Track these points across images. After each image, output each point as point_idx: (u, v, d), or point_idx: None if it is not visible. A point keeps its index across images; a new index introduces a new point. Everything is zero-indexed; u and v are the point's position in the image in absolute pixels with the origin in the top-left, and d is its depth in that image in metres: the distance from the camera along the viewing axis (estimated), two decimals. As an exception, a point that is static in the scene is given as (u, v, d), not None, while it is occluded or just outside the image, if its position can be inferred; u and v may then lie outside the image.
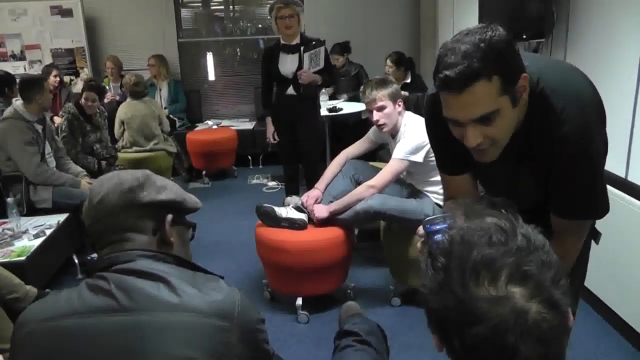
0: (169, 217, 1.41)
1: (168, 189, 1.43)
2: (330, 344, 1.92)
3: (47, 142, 4.53)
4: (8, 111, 4.39)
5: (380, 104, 3.45)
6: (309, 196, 3.56)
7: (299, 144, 4.82)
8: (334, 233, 3.45)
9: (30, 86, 4.34)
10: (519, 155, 1.60)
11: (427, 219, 1.25)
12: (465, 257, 0.88)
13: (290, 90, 4.68)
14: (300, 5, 4.63)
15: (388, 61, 6.24)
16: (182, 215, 1.47)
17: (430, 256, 0.94)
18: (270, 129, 4.91)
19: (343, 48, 7.03)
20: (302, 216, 3.49)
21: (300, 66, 4.60)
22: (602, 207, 1.65)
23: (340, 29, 7.45)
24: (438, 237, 1.15)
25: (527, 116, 1.52)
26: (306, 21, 6.48)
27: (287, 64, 4.65)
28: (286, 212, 3.52)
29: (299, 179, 5.02)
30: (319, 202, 3.54)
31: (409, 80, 6.23)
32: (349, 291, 3.74)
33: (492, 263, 0.86)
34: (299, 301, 3.55)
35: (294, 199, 3.66)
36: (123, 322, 1.22)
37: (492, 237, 0.89)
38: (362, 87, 3.64)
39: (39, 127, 4.44)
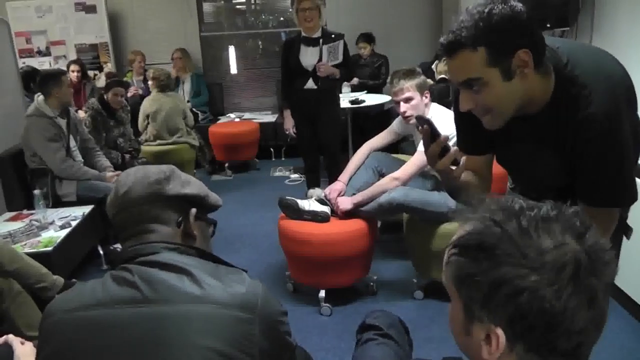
0: (193, 210, 1.43)
1: (192, 183, 1.45)
2: (353, 336, 1.91)
3: (71, 136, 4.59)
4: (30, 108, 4.46)
5: (407, 94, 3.43)
6: (332, 189, 3.56)
7: (319, 137, 4.83)
8: (357, 225, 3.45)
9: (47, 80, 4.40)
10: (543, 136, 1.64)
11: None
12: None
13: (310, 83, 4.68)
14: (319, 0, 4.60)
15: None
16: (204, 212, 1.49)
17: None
18: (289, 121, 4.91)
19: (369, 37, 7.03)
20: (325, 209, 3.49)
21: (320, 59, 4.60)
22: (629, 195, 1.62)
23: (361, 20, 7.43)
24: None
25: (554, 96, 1.57)
26: (327, 12, 6.47)
27: (308, 57, 4.65)
28: (309, 204, 3.52)
29: (319, 170, 5.02)
30: (342, 195, 3.53)
31: None
32: (371, 283, 3.73)
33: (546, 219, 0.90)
34: (322, 293, 3.56)
35: (316, 192, 3.66)
36: (146, 313, 1.23)
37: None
38: (389, 77, 3.62)
39: (62, 122, 4.49)
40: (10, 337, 1.51)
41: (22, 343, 1.48)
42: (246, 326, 1.25)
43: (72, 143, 4.60)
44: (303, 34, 4.69)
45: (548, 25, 3.92)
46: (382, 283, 3.81)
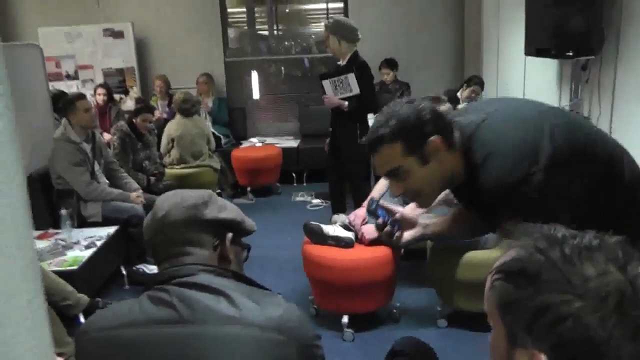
0: (229, 235, 1.46)
1: (229, 209, 1.48)
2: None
3: (96, 161, 4.68)
4: (58, 132, 4.55)
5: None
6: (356, 215, 3.57)
7: (342, 164, 4.87)
8: (381, 252, 3.45)
9: (64, 106, 4.55)
10: (474, 203, 1.87)
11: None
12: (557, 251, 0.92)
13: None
14: (330, 27, 4.66)
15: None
16: (239, 237, 1.51)
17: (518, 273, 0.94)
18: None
19: (391, 63, 7.08)
20: (349, 234, 3.50)
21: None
22: None
23: (385, 46, 7.50)
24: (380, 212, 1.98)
25: (466, 168, 1.77)
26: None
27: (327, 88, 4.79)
28: (333, 230, 3.53)
29: (344, 196, 5.04)
30: (366, 222, 3.54)
31: None
32: (394, 310, 3.72)
33: (588, 248, 0.91)
34: (345, 319, 3.55)
35: (341, 217, 3.68)
36: (183, 333, 1.25)
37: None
38: None
39: (87, 147, 4.59)
40: None
41: None
42: (282, 349, 1.26)
43: (97, 167, 4.69)
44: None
45: (570, 54, 3.92)
46: (405, 310, 3.80)
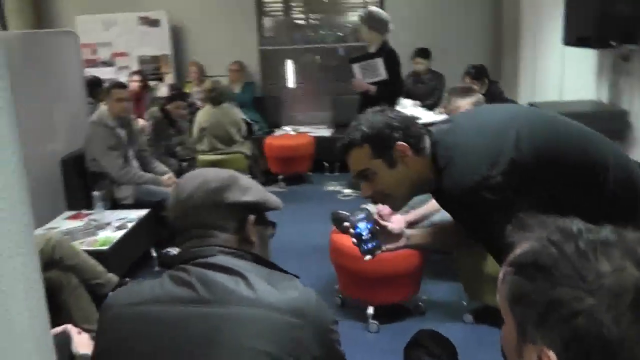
0: (252, 217, 1.45)
1: (252, 190, 1.46)
2: (399, 355, 1.89)
3: (130, 146, 4.75)
4: (94, 116, 4.68)
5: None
6: (385, 206, 3.53)
7: None
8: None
9: (104, 90, 4.70)
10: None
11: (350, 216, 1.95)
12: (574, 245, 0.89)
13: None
14: (362, 17, 4.90)
15: (467, 79, 6.08)
16: (263, 214, 1.51)
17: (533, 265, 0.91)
18: None
19: (424, 53, 6.99)
20: (371, 208, 3.47)
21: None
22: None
23: (419, 36, 7.40)
24: (361, 222, 1.92)
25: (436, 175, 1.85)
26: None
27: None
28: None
29: None
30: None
31: (483, 92, 5.99)
32: (420, 303, 3.69)
33: (605, 243, 0.88)
34: (370, 310, 3.53)
35: (369, 207, 3.64)
36: (201, 313, 1.27)
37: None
38: (445, 95, 3.60)
39: (122, 132, 4.67)
40: (69, 327, 1.57)
41: (79, 333, 1.54)
42: (297, 331, 1.26)
43: (130, 152, 4.76)
44: None
45: (612, 44, 3.78)
46: (432, 303, 3.76)
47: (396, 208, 2.04)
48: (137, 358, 1.29)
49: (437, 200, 2.04)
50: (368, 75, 4.79)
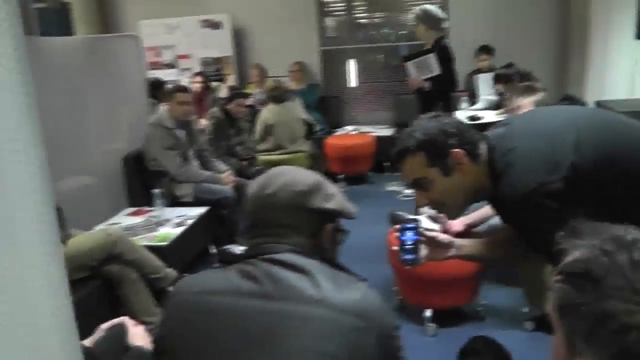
0: (329, 226, 1.47)
1: (335, 198, 1.47)
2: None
3: (189, 145, 4.84)
4: (154, 117, 4.81)
5: (524, 111, 3.28)
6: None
7: None
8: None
9: (166, 92, 4.84)
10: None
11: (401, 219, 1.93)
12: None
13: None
14: (418, 16, 4.89)
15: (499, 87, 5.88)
16: (338, 221, 1.52)
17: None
18: None
19: (487, 49, 6.86)
20: (435, 226, 3.39)
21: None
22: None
23: (482, 32, 7.30)
24: (409, 231, 1.87)
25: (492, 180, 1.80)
26: (451, 23, 6.41)
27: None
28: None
29: None
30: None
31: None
32: (479, 308, 3.60)
33: None
34: (428, 313, 3.46)
35: (427, 208, 3.57)
36: (265, 307, 1.28)
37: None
38: (507, 95, 3.50)
39: (181, 133, 4.76)
40: (126, 319, 1.62)
41: (135, 325, 1.58)
42: (361, 334, 1.26)
43: (190, 152, 4.85)
44: None
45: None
46: (491, 309, 3.65)
47: (452, 217, 2.10)
48: (195, 346, 1.31)
49: (494, 207, 1.99)
50: (421, 71, 4.79)
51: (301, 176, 1.46)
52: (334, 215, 1.47)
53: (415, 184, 1.84)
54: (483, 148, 1.80)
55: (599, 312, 0.81)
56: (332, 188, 1.49)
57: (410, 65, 4.81)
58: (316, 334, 1.24)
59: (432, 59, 4.74)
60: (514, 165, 1.70)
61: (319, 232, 1.44)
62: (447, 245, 1.94)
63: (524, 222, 1.74)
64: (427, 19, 4.77)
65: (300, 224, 1.41)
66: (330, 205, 1.43)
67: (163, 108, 4.73)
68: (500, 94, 5.67)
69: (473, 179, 1.80)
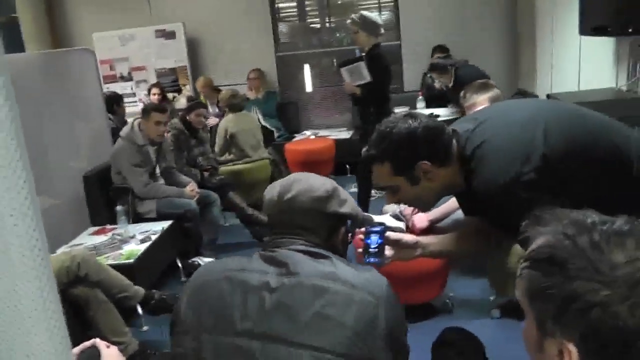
0: (343, 229, 1.63)
1: (348, 202, 1.60)
2: (427, 355, 1.88)
3: (157, 164, 4.80)
4: (125, 130, 4.72)
5: (479, 108, 3.36)
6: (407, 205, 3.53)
7: None
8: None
9: (142, 110, 4.73)
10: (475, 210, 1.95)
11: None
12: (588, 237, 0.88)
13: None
14: (357, 22, 4.90)
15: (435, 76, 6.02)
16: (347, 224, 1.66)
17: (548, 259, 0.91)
18: None
19: (441, 49, 6.97)
20: (400, 224, 3.46)
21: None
22: None
23: (436, 33, 7.44)
24: (374, 235, 1.86)
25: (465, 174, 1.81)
26: (405, 25, 6.52)
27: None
28: (384, 220, 3.50)
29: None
30: (418, 211, 3.49)
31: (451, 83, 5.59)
32: (447, 301, 3.67)
33: (619, 234, 0.88)
34: (397, 310, 3.51)
35: (391, 207, 3.63)
36: (285, 282, 1.39)
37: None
38: (462, 92, 3.57)
39: (151, 150, 4.71)
40: (98, 341, 1.61)
41: (108, 346, 1.58)
42: (373, 309, 1.36)
43: (158, 170, 4.82)
44: None
45: (631, 30, 3.71)
46: (459, 300, 3.74)
47: (424, 211, 2.18)
48: (222, 316, 1.39)
49: (461, 200, 2.05)
50: (354, 78, 4.96)
51: (320, 183, 1.57)
52: (347, 218, 1.60)
53: (384, 188, 1.88)
54: (454, 147, 1.80)
55: (566, 293, 0.86)
56: (344, 193, 1.61)
57: (344, 72, 4.99)
58: (332, 304, 1.34)
59: (362, 66, 4.89)
60: (487, 158, 1.72)
61: (333, 234, 1.58)
62: (413, 246, 1.96)
63: (500, 214, 1.74)
64: (365, 25, 4.88)
65: (316, 226, 1.54)
66: (344, 209, 1.57)
67: (136, 122, 4.66)
68: (440, 86, 5.87)
69: (442, 183, 1.82)
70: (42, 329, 0.68)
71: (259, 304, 1.36)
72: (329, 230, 1.57)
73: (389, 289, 1.43)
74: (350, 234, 1.71)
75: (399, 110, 6.61)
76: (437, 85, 6.37)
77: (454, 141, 1.80)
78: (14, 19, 8.11)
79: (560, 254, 0.89)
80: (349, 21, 5.00)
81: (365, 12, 5.08)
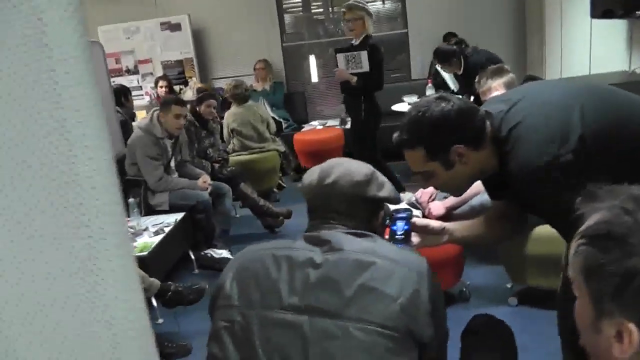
0: (382, 213, 1.65)
1: (386, 186, 1.60)
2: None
3: (174, 157, 4.79)
4: (143, 122, 4.72)
5: (495, 93, 3.33)
6: (423, 192, 3.51)
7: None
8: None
9: (162, 103, 4.72)
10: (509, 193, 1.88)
11: (393, 208, 1.81)
12: None
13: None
14: (364, 8, 5.01)
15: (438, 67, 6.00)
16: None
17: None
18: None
19: (451, 35, 6.93)
20: (417, 212, 3.44)
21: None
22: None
23: (444, 21, 7.37)
24: (400, 221, 1.84)
25: (499, 157, 1.76)
26: (410, 14, 6.48)
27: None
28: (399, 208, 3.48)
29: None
30: (434, 198, 3.47)
31: (460, 71, 5.48)
32: (464, 289, 3.65)
33: None
34: (414, 299, 3.49)
35: (407, 195, 3.63)
36: (331, 257, 1.40)
37: None
38: (477, 77, 3.54)
39: (168, 143, 4.69)
40: None
41: None
42: (415, 283, 1.37)
43: (173, 162, 4.80)
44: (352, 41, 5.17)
45: (639, 13, 3.69)
46: (476, 288, 3.71)
47: (457, 195, 2.17)
48: (268, 288, 1.41)
49: (489, 184, 1.98)
50: (351, 66, 5.00)
51: (357, 167, 1.58)
52: (385, 202, 1.63)
53: (418, 174, 1.82)
54: (487, 128, 1.74)
55: (625, 270, 0.83)
56: (382, 177, 1.62)
57: (341, 57, 5.02)
58: (375, 278, 1.35)
59: (364, 55, 4.94)
60: (523, 140, 1.66)
61: (372, 218, 1.60)
62: (440, 232, 1.94)
63: (536, 197, 1.70)
64: (369, 13, 5.02)
65: (356, 210, 1.55)
66: (383, 193, 1.57)
67: (155, 114, 4.62)
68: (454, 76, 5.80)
69: (477, 166, 1.76)
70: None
71: (304, 279, 1.38)
72: (368, 214, 1.58)
73: (428, 268, 1.43)
74: (387, 218, 1.72)
75: (408, 98, 6.63)
76: (444, 74, 6.33)
77: (487, 123, 1.74)
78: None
79: (619, 229, 0.86)
80: (347, 9, 5.00)
81: (361, 1, 5.10)
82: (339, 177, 1.54)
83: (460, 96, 1.87)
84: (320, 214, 1.57)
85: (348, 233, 1.48)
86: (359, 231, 1.50)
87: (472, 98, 5.29)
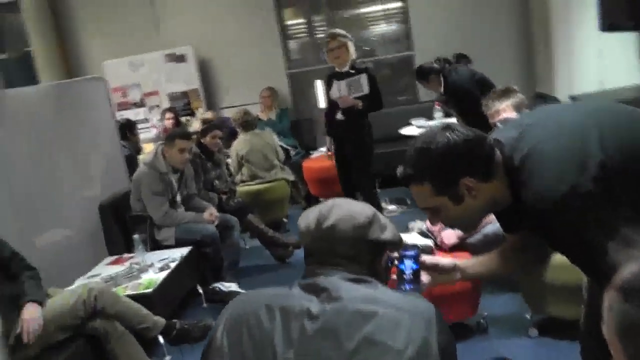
0: (386, 255, 1.54)
1: (389, 228, 1.51)
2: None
3: (180, 191, 4.72)
4: (148, 157, 4.67)
5: (504, 115, 3.23)
6: (434, 220, 3.40)
7: (349, 160, 5.32)
8: (464, 258, 3.23)
9: (167, 137, 4.65)
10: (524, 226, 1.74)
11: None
12: None
13: (339, 115, 5.20)
14: (346, 36, 5.09)
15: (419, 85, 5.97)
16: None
17: None
18: (330, 145, 5.74)
19: (464, 58, 6.84)
20: (428, 242, 3.33)
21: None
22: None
23: (449, 41, 7.27)
24: (408, 260, 1.73)
25: (512, 188, 1.63)
26: (417, 35, 6.41)
27: (336, 90, 5.15)
28: (410, 237, 3.37)
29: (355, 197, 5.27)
30: (445, 227, 3.36)
31: (441, 90, 5.47)
32: (482, 320, 3.50)
33: None
34: (431, 330, 3.36)
35: (417, 224, 3.51)
36: (327, 308, 1.32)
37: None
38: (484, 99, 3.44)
39: (174, 177, 4.63)
40: None
41: None
42: (425, 332, 1.28)
43: (179, 197, 4.72)
44: (336, 69, 5.20)
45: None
46: (494, 319, 3.56)
47: (468, 231, 2.05)
48: (261, 340, 1.32)
49: (501, 216, 1.85)
50: (352, 91, 5.06)
51: (359, 209, 1.50)
52: (388, 245, 1.52)
53: (426, 209, 1.70)
54: (498, 157, 1.63)
55: None
56: (383, 218, 1.53)
57: (342, 84, 5.09)
58: (380, 329, 1.26)
59: (364, 78, 5.05)
60: (538, 169, 1.54)
61: (375, 261, 1.50)
62: (451, 270, 1.83)
63: (554, 231, 1.57)
64: (350, 38, 5.09)
65: (358, 254, 1.46)
66: (385, 236, 1.49)
67: (160, 149, 4.57)
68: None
69: (488, 199, 1.65)
70: None
71: (301, 332, 1.29)
72: (370, 258, 1.48)
73: (437, 312, 1.34)
74: (390, 261, 1.63)
75: (415, 121, 6.53)
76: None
77: (497, 152, 1.63)
78: (27, 53, 8.27)
79: None
80: (331, 38, 5.06)
81: (337, 29, 5.22)
82: (340, 220, 1.46)
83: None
84: (319, 258, 1.47)
85: (346, 279, 1.39)
86: (357, 277, 1.40)
87: (454, 119, 5.32)
